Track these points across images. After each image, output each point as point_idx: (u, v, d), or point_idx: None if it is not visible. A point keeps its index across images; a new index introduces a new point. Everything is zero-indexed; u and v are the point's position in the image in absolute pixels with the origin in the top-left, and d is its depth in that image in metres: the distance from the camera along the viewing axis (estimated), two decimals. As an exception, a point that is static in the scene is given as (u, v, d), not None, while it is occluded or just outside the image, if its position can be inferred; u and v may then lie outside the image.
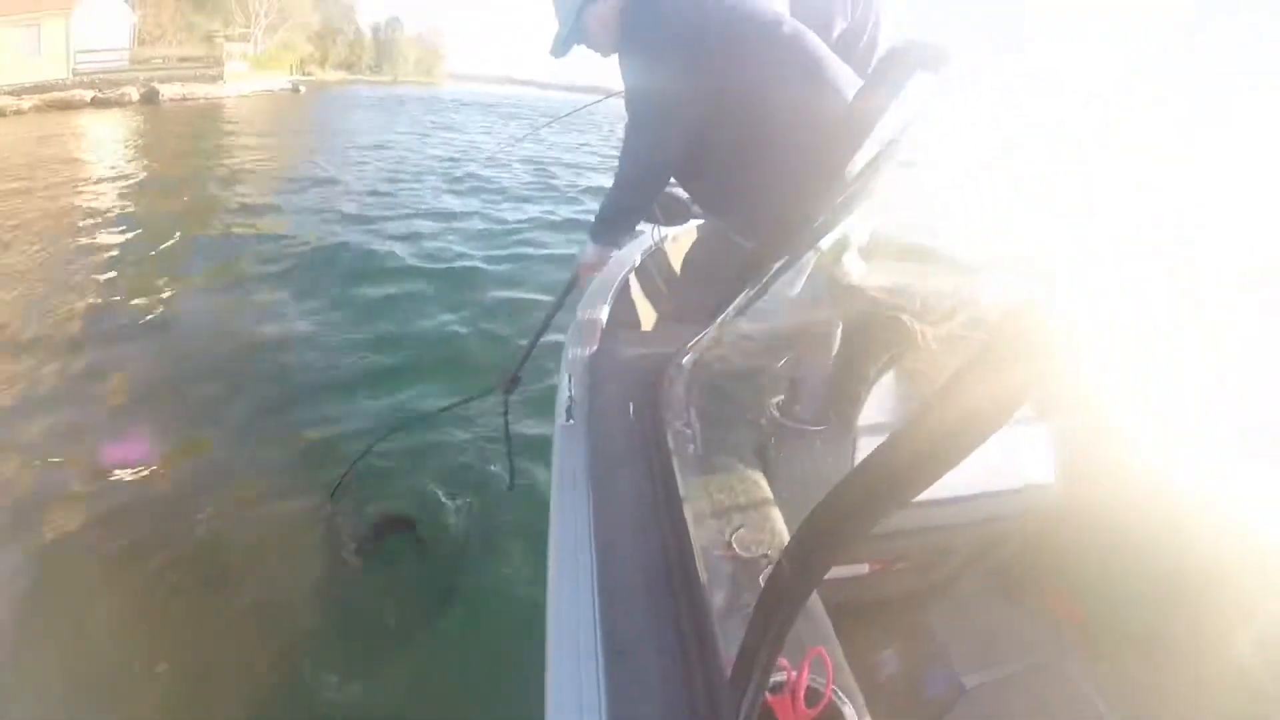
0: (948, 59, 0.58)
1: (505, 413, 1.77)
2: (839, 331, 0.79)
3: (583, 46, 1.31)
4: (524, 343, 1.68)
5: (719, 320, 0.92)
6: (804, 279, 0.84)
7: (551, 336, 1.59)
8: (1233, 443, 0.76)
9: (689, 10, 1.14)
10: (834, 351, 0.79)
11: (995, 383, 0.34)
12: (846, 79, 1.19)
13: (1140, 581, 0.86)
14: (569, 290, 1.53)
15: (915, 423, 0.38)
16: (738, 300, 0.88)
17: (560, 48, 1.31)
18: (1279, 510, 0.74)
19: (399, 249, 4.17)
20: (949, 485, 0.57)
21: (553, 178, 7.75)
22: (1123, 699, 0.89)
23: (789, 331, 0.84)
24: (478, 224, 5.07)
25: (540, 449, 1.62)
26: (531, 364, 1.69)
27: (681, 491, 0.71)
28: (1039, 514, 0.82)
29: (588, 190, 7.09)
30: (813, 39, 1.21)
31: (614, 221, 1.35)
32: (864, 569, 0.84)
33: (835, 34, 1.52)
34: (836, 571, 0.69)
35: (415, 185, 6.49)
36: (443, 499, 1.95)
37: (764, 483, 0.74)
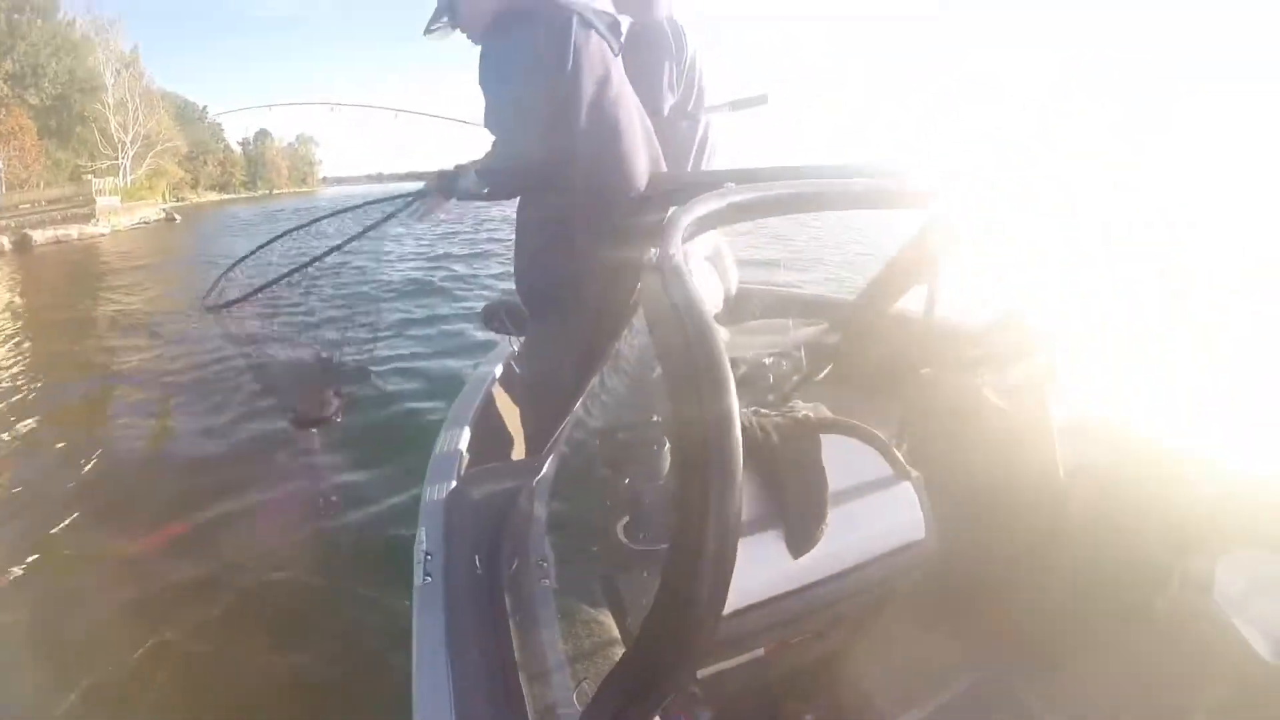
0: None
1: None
2: (666, 446, 0.74)
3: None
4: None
5: (556, 438, 0.90)
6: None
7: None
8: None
9: (558, 26, 1.19)
10: (667, 463, 0.75)
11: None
12: (652, 157, 1.32)
13: (1043, 589, 0.87)
14: (399, 212, 1.47)
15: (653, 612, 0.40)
16: (574, 410, 0.85)
17: (432, 22, 1.36)
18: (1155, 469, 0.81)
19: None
20: (819, 568, 0.62)
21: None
22: (1066, 700, 0.87)
23: (627, 443, 0.80)
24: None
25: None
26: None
27: (518, 654, 0.71)
28: (924, 566, 0.76)
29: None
30: (632, 110, 1.31)
31: (497, 175, 1.30)
32: (760, 653, 0.80)
33: (666, 109, 1.65)
34: (732, 660, 0.67)
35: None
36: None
37: (611, 621, 0.72)
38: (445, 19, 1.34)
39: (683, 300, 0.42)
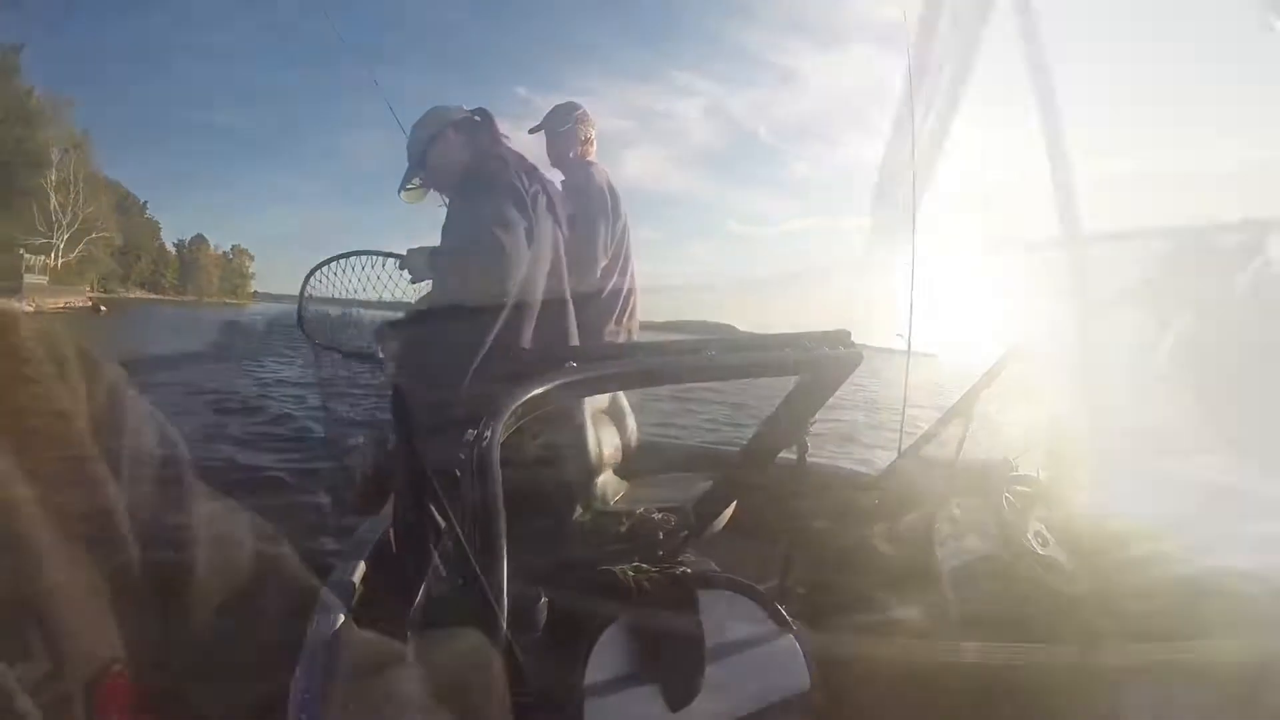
0: None
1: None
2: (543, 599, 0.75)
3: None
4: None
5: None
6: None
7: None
8: None
9: (521, 201, 1.31)
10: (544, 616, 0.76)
11: None
12: (560, 334, 1.41)
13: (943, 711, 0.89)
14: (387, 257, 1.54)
15: None
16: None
17: (405, 180, 1.50)
18: None
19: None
20: None
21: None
22: None
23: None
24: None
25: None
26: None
27: None
28: (809, 716, 0.79)
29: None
30: (563, 290, 1.42)
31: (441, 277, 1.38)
32: None
33: (599, 270, 1.75)
34: None
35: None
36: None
37: None
38: (418, 178, 1.49)
39: (482, 492, 0.46)
